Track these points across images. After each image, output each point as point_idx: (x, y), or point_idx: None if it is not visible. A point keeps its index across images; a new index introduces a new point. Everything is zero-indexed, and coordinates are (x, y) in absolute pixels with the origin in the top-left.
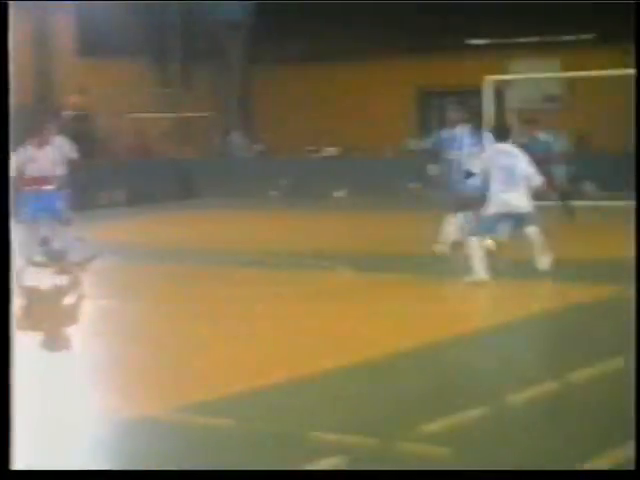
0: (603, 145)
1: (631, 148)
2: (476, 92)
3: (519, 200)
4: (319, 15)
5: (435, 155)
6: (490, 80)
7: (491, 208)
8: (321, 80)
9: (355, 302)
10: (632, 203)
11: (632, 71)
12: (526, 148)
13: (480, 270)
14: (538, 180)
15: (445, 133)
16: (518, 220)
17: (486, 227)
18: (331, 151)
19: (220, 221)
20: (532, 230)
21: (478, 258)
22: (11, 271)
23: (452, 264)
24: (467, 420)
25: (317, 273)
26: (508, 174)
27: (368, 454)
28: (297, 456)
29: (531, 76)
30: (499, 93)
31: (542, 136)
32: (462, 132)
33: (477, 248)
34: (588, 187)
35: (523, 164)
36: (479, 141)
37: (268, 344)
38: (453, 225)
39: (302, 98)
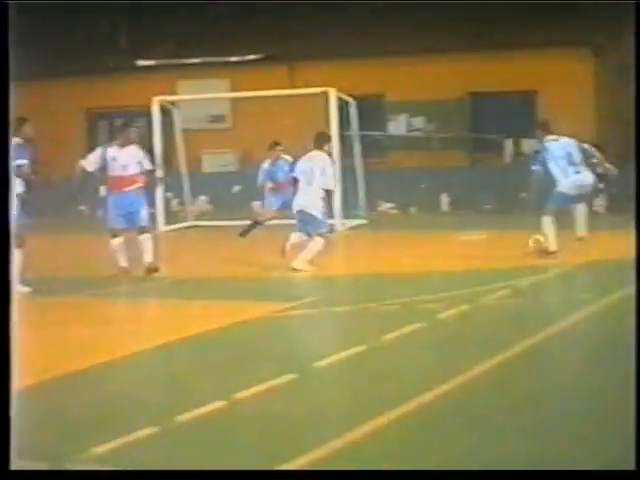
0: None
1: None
2: (145, 113)
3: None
4: None
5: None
6: (158, 101)
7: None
8: None
9: (30, 326)
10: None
11: (301, 90)
12: (273, 172)
13: None
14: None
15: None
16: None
17: None
18: None
19: None
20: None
21: None
22: (11, 272)
23: (126, 286)
24: (136, 440)
25: None
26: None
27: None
28: None
29: (196, 97)
30: (167, 113)
31: (284, 159)
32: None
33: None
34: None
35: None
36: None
37: None
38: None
39: None
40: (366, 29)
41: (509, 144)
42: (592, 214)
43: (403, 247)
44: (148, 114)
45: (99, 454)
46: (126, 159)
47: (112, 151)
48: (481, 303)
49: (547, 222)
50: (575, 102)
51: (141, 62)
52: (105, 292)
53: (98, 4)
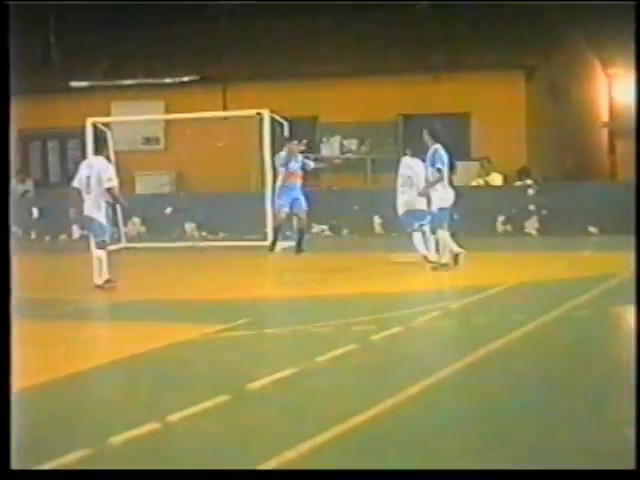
0: (199, 185)
1: (231, 190)
2: (79, 134)
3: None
4: None
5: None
6: (92, 122)
7: None
8: None
9: None
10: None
11: (234, 112)
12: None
13: None
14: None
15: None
16: None
17: None
18: None
19: None
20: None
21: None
22: (10, 267)
23: (58, 308)
24: (69, 462)
25: None
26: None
27: None
28: None
29: (130, 118)
30: (101, 135)
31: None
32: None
33: None
34: (187, 227)
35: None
36: None
37: None
38: None
39: None
40: (299, 51)
41: None
42: (524, 236)
43: (336, 269)
44: (81, 135)
45: None
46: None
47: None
48: (414, 325)
49: (415, 238)
50: (507, 124)
51: (75, 83)
52: (36, 314)
53: (31, 23)
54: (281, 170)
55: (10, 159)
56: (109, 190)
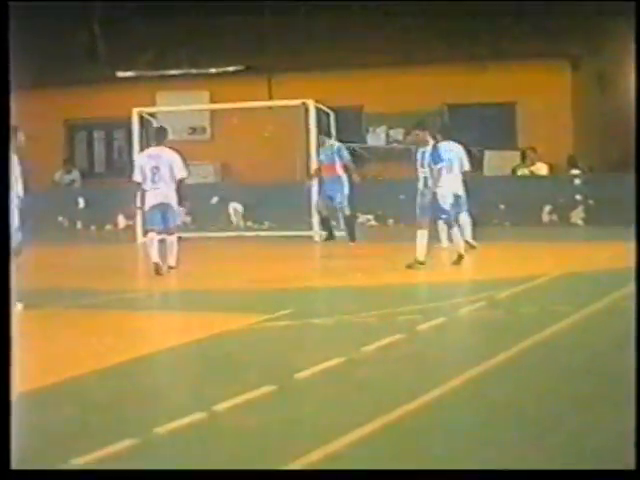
0: (244, 174)
1: (277, 180)
2: (125, 124)
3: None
4: None
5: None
6: (138, 112)
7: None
8: None
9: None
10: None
11: (280, 102)
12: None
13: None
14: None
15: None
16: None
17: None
18: None
19: None
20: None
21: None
22: (10, 270)
23: (107, 297)
24: (115, 452)
25: None
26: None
27: None
28: None
29: (175, 108)
30: (146, 124)
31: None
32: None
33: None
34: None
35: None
36: None
37: None
38: None
39: None
40: (345, 41)
41: (488, 156)
42: (570, 226)
43: (381, 259)
44: (127, 125)
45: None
46: None
47: None
48: (460, 315)
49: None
50: (553, 113)
51: (120, 73)
52: (87, 304)
53: (77, 14)
54: (317, 164)
55: (9, 158)
56: (179, 181)
